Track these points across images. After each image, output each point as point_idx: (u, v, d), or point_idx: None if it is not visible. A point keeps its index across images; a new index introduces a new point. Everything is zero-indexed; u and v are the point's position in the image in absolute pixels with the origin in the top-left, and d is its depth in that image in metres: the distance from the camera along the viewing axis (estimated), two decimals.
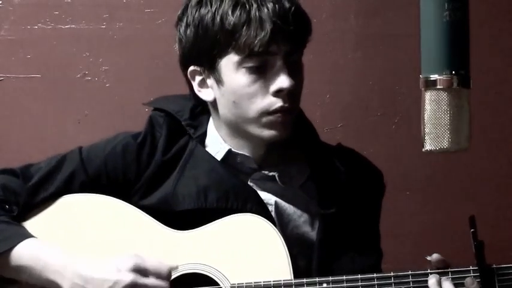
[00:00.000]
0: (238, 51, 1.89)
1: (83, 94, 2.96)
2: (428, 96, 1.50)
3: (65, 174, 1.98)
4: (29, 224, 1.96)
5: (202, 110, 2.03)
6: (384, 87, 3.01)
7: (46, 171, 1.98)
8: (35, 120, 2.95)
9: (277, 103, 1.90)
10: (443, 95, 1.49)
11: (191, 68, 1.97)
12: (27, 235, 1.92)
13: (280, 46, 1.89)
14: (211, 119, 2.02)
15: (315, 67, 2.88)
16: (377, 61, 3.01)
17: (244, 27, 1.87)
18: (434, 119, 1.50)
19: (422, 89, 1.51)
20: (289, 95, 1.91)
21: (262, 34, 1.87)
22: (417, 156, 2.88)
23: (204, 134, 2.02)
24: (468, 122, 1.50)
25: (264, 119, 1.92)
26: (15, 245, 1.90)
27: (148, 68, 2.93)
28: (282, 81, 1.89)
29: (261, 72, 1.90)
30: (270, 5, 1.89)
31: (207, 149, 2.00)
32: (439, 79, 1.49)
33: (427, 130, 1.50)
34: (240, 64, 1.90)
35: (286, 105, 1.91)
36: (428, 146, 1.51)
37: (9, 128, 2.94)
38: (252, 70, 1.90)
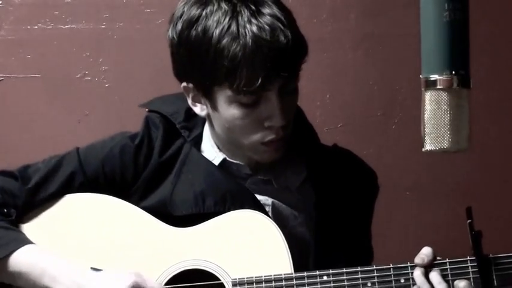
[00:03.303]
0: (231, 89, 1.84)
1: (83, 94, 2.96)
2: (429, 96, 1.50)
3: (64, 175, 1.97)
4: (33, 224, 1.96)
5: None
6: (383, 87, 3.02)
7: (45, 173, 1.98)
8: (35, 120, 2.95)
9: (271, 135, 1.89)
10: (443, 95, 1.49)
11: (184, 84, 1.93)
12: (25, 241, 1.92)
13: (274, 83, 1.84)
14: (206, 124, 2.01)
15: (315, 67, 2.90)
16: (377, 61, 3.01)
17: (238, 71, 1.81)
18: (434, 119, 1.49)
19: (423, 89, 1.51)
20: (283, 127, 1.89)
21: (256, 79, 1.81)
22: (417, 156, 2.88)
23: (200, 136, 2.01)
24: (468, 122, 1.50)
25: (258, 147, 1.91)
26: (14, 251, 1.89)
27: (149, 68, 2.93)
28: (276, 119, 1.86)
29: (255, 105, 1.86)
30: (266, 44, 1.81)
31: (203, 154, 1.99)
32: (439, 79, 1.49)
33: (427, 130, 1.50)
34: (233, 98, 1.85)
35: (280, 135, 1.89)
36: (428, 146, 1.51)
37: (9, 128, 2.95)
38: (245, 105, 1.86)
